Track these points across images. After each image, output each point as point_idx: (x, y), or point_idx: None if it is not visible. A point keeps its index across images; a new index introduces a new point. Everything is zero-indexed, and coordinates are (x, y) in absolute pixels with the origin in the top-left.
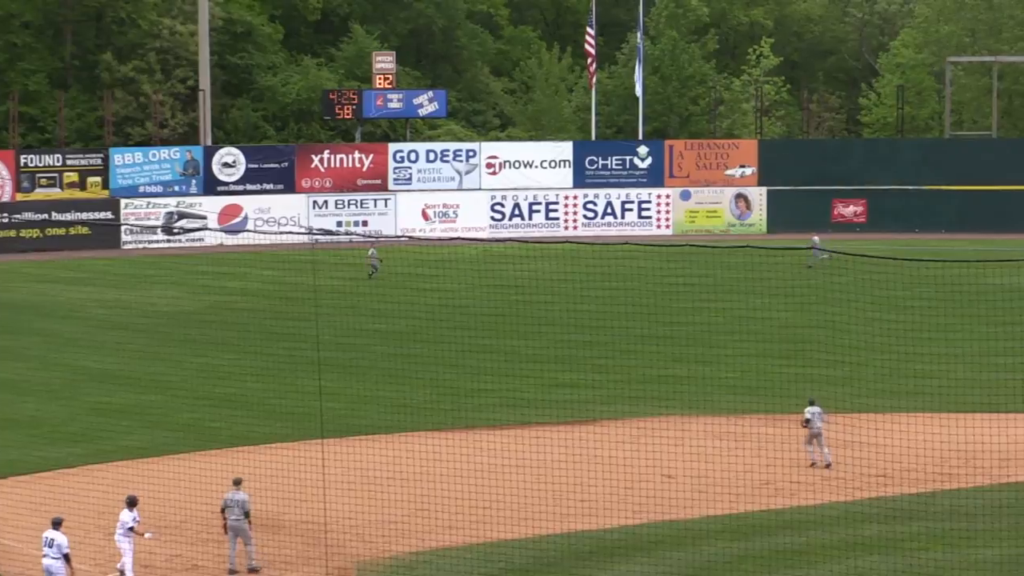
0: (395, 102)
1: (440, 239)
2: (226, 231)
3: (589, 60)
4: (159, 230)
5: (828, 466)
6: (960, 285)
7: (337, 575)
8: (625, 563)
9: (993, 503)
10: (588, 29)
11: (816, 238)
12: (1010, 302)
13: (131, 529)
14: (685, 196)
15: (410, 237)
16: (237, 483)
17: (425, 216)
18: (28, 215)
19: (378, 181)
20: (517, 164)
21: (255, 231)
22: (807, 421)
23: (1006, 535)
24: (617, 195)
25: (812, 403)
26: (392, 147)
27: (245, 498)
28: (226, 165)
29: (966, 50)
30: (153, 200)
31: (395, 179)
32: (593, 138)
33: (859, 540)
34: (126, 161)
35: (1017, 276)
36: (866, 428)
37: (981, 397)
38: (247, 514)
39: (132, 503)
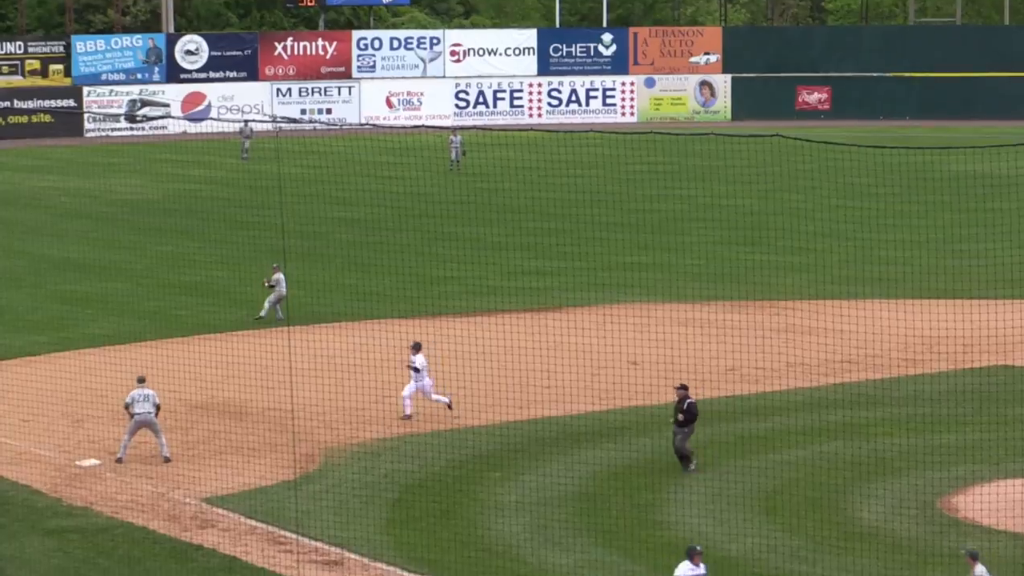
0: None
1: (404, 127)
2: (189, 119)
3: None
4: (122, 118)
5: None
6: (923, 172)
7: (304, 461)
8: (591, 449)
9: (956, 388)
10: None
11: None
12: (972, 189)
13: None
14: (649, 84)
15: (374, 125)
16: (141, 381)
17: (389, 104)
18: None
19: (342, 69)
20: (481, 52)
21: (218, 119)
22: (272, 286)
23: (968, 420)
24: (581, 83)
25: (276, 269)
26: (356, 35)
27: (152, 393)
28: (189, 53)
29: None
30: (116, 88)
31: (359, 67)
32: (557, 25)
33: (823, 425)
34: (88, 49)
35: (979, 163)
36: (830, 315)
37: (944, 283)
38: (158, 408)
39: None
